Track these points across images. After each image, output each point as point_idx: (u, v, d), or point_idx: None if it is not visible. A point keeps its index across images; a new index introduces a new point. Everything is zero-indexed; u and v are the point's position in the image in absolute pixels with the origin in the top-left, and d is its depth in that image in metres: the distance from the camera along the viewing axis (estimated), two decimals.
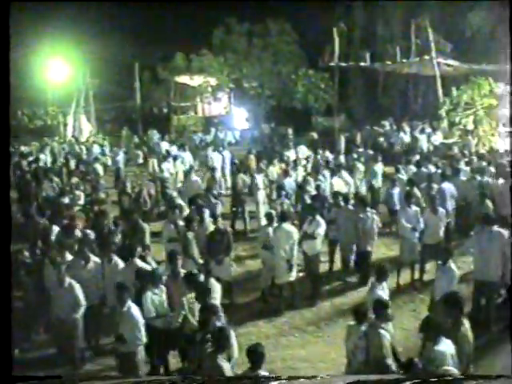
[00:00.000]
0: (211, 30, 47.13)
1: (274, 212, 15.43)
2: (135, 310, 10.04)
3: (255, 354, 8.03)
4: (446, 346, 8.27)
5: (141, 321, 9.98)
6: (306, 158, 26.23)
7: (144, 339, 9.99)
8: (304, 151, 28.72)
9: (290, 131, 37.58)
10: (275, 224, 14.43)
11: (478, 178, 19.38)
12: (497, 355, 11.46)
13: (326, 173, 21.57)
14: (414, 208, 15.67)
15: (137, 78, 47.43)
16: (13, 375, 8.05)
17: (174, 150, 30.45)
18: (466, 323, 9.04)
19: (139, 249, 12.64)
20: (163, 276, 11.42)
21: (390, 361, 8.80)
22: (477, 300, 12.88)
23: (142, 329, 9.96)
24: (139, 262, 12.16)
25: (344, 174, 21.34)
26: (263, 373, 7.98)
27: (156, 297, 10.77)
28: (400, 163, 23.03)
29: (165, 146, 33.29)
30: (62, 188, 21.57)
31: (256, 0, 42.24)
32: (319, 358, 11.57)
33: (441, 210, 15.65)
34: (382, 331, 8.93)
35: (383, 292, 10.67)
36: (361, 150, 28.64)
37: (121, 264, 12.31)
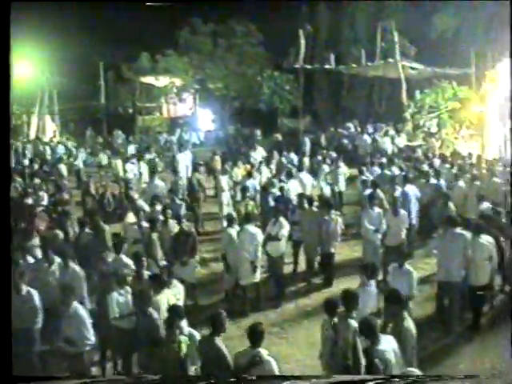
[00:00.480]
0: (177, 31, 46.96)
1: (234, 213, 15.52)
2: (81, 310, 10.04)
3: (255, 333, 8.43)
4: (387, 344, 8.37)
5: (88, 320, 9.96)
6: (267, 160, 26.13)
7: (93, 339, 9.97)
8: (262, 153, 28.59)
9: (258, 132, 37.64)
10: (236, 226, 14.45)
11: (433, 180, 19.57)
12: (460, 355, 11.59)
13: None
14: (377, 210, 15.81)
15: (101, 78, 47.07)
16: (13, 375, 8.05)
17: (136, 150, 30.35)
18: (409, 318, 9.15)
19: (126, 245, 12.67)
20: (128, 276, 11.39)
21: (357, 351, 8.92)
22: (440, 301, 13.03)
23: (90, 328, 9.94)
24: (125, 258, 12.37)
25: (303, 175, 21.44)
26: (263, 351, 8.32)
27: (121, 297, 10.71)
28: (364, 165, 23.13)
29: (130, 146, 33.14)
30: (25, 189, 21.32)
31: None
32: (283, 360, 11.54)
33: (402, 211, 15.77)
34: (350, 321, 9.09)
35: (372, 289, 10.85)
36: (325, 151, 28.71)
37: (78, 270, 12.11)
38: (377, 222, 15.48)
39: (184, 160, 27.10)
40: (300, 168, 23.15)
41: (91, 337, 9.92)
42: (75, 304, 10.00)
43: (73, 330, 9.82)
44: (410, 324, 9.06)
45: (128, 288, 10.89)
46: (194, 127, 47.25)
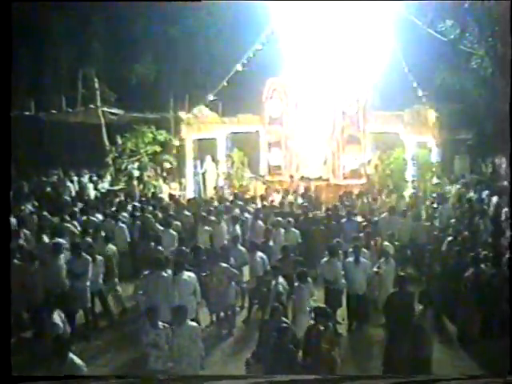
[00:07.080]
0: None
1: None
2: None
3: None
4: None
5: None
6: None
7: None
8: None
9: None
10: None
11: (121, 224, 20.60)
12: None
13: None
14: (85, 256, 15.94)
15: None
16: (13, 375, 8.04)
17: None
18: None
19: None
20: None
21: None
22: None
23: None
24: None
25: None
26: None
27: None
28: (68, 213, 22.93)
29: None
30: None
31: None
32: None
33: (99, 258, 16.25)
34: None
35: None
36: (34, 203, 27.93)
37: None
38: (82, 268, 15.65)
39: None
40: None
41: None
42: None
43: None
44: None
45: None
46: None
